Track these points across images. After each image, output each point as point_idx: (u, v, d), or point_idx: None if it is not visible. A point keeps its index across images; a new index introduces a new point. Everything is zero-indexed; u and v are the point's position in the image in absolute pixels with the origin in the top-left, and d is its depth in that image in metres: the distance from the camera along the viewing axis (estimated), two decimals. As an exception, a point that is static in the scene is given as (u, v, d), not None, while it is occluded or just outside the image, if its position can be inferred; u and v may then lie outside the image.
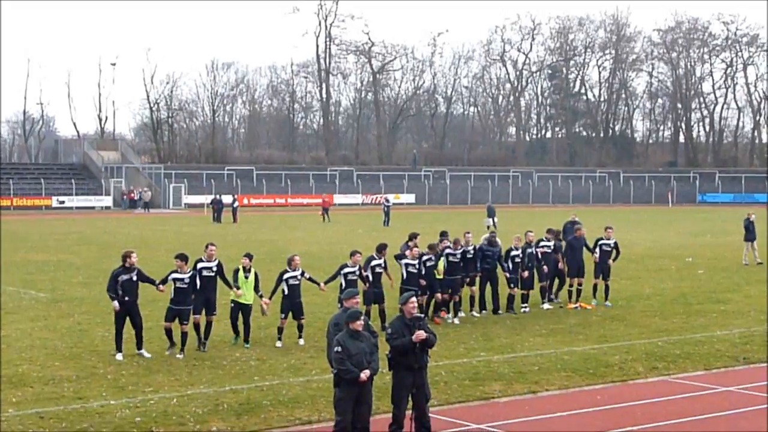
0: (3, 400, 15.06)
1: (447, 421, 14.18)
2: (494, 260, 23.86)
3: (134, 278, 18.30)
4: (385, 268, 21.57)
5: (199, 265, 19.04)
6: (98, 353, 18.35)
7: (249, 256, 19.69)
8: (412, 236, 22.95)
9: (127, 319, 18.25)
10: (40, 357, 18.36)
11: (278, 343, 19.45)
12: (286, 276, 19.45)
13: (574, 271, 25.37)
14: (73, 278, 30.58)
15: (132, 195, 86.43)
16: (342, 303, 14.10)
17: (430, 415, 13.13)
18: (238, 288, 19.31)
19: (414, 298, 13.20)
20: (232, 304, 19.47)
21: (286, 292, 19.46)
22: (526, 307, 24.14)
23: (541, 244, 25.10)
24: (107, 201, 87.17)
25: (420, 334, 12.61)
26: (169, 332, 18.52)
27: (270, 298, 19.58)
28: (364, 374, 12.29)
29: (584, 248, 25.62)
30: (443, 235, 23.87)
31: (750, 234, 36.13)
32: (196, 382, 16.41)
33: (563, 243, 26.44)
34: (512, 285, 24.09)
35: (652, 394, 16.09)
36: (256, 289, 19.53)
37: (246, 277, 19.36)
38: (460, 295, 23.11)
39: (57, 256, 38.06)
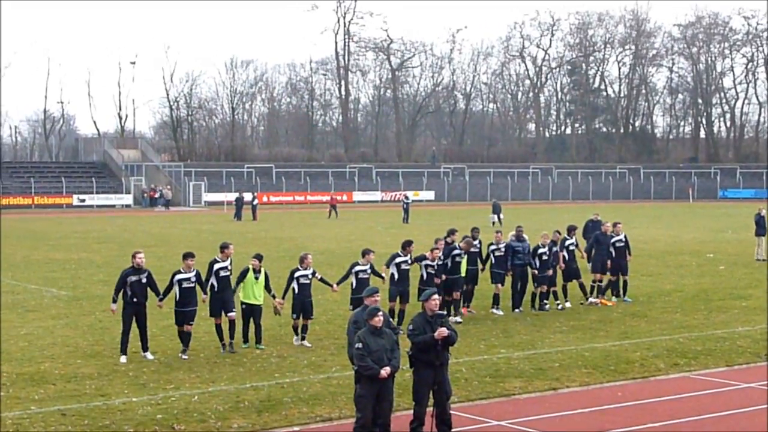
0: (25, 397, 15.16)
1: (468, 418, 14.17)
2: (526, 256, 23.77)
3: (143, 280, 18.11)
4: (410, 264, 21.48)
5: (216, 266, 18.86)
6: (119, 351, 18.40)
7: (259, 257, 19.35)
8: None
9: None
10: (62, 354, 18.46)
11: (295, 341, 19.40)
12: (297, 275, 19.25)
13: (598, 266, 25.33)
14: (94, 276, 30.73)
15: (153, 193, 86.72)
16: (353, 303, 14.05)
17: (450, 412, 13.13)
18: (234, 291, 19.11)
19: (436, 295, 13.20)
20: (243, 306, 19.14)
21: (297, 291, 19.26)
22: (546, 304, 24.07)
23: (567, 242, 24.89)
24: (128, 199, 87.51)
25: (442, 331, 12.61)
26: (181, 335, 18.45)
27: (283, 297, 19.52)
28: (385, 371, 12.30)
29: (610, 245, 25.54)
30: (474, 230, 23.88)
31: (761, 229, 35.98)
32: (217, 380, 16.47)
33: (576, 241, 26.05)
34: (537, 283, 23.94)
35: (673, 390, 16.04)
36: (268, 288, 19.28)
37: (256, 278, 19.04)
38: (465, 293, 23.28)
39: (78, 255, 38.24)
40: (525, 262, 23.80)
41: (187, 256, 18.66)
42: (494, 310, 23.49)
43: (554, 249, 24.31)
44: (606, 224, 26.27)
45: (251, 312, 19.13)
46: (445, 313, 13.43)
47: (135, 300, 18.00)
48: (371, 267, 20.19)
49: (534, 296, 24.06)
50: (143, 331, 18.19)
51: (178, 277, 18.34)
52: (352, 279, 19.95)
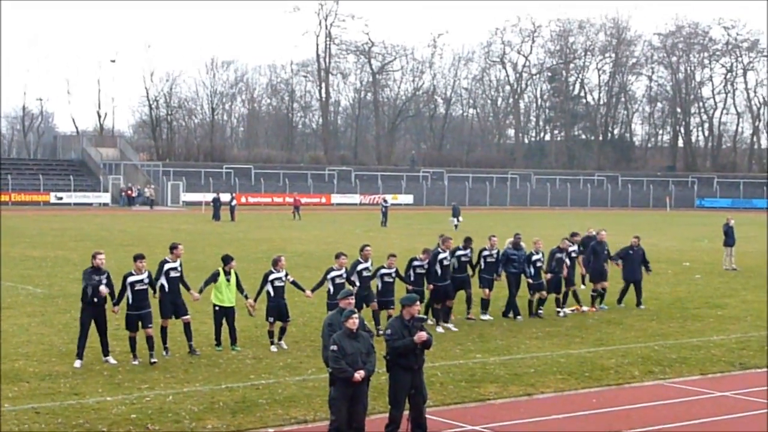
0: (-1, 395, 15.08)
1: (443, 422, 14.18)
2: (521, 264, 23.45)
3: (104, 281, 17.53)
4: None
5: (166, 266, 18.36)
6: (94, 349, 18.25)
7: (228, 258, 18.98)
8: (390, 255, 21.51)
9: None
10: (37, 353, 18.36)
11: (273, 348, 19.07)
12: (271, 277, 18.99)
13: (597, 275, 25.40)
14: (70, 274, 30.56)
15: (130, 192, 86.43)
16: (330, 309, 13.98)
17: (426, 416, 13.14)
18: (200, 292, 18.73)
19: (418, 302, 13.24)
20: (216, 308, 18.84)
21: (272, 294, 18.98)
22: (541, 311, 23.77)
23: (570, 249, 24.65)
24: (105, 198, 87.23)
25: (422, 335, 12.63)
26: (134, 342, 17.73)
27: (255, 300, 19.22)
28: (359, 374, 12.30)
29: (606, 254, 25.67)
30: (467, 240, 23.31)
31: (729, 239, 36.16)
32: (192, 380, 16.42)
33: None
34: (532, 291, 23.62)
35: (647, 398, 16.10)
36: (240, 289, 19.02)
37: (228, 280, 18.75)
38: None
39: (54, 252, 38.06)
40: (520, 270, 23.43)
41: (138, 257, 18.09)
42: (483, 316, 23.15)
43: (558, 256, 24.08)
44: (602, 233, 26.27)
45: (224, 314, 18.87)
46: (425, 317, 13.41)
47: (95, 301, 17.49)
48: (346, 271, 19.89)
49: (531, 303, 23.79)
50: (103, 335, 17.65)
51: (131, 279, 17.77)
52: (329, 285, 19.65)
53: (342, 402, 12.39)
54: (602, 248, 25.78)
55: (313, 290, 19.76)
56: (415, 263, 21.39)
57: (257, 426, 13.86)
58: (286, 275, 19.26)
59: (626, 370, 18.03)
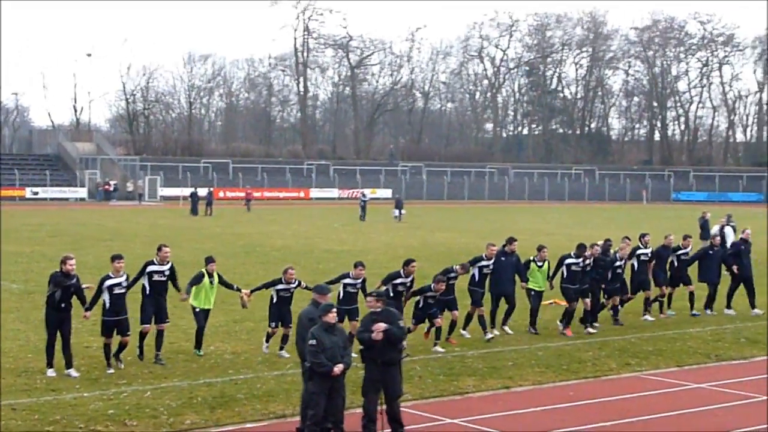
0: (-25, 391, 14.97)
1: (421, 416, 14.22)
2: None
3: (72, 288, 16.35)
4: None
5: (150, 269, 17.35)
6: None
7: (211, 260, 18.10)
8: (408, 262, 19.40)
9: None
10: (13, 348, 18.25)
11: (265, 348, 18.22)
12: (278, 287, 17.86)
13: (659, 280, 23.89)
14: (47, 270, 30.03)
15: (108, 187, 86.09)
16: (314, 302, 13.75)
17: (403, 409, 13.17)
18: (188, 293, 17.78)
19: (371, 297, 13.23)
20: (197, 310, 17.93)
21: (275, 299, 17.92)
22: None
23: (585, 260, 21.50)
24: (82, 192, 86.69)
25: (379, 326, 12.54)
26: (108, 349, 16.75)
27: (251, 293, 18.22)
28: (338, 368, 12.33)
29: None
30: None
31: (705, 232, 36.17)
32: (170, 375, 16.38)
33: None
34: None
35: (624, 390, 16.21)
36: (229, 285, 18.34)
37: (210, 282, 17.88)
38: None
39: (30, 248, 37.82)
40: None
41: (116, 258, 16.93)
42: (487, 334, 20.21)
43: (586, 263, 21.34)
44: (669, 237, 24.58)
45: (205, 316, 18.08)
46: (391, 309, 13.18)
47: (63, 306, 16.22)
48: (362, 282, 18.41)
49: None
50: (68, 344, 16.33)
51: (108, 282, 16.56)
52: (340, 290, 18.40)
53: (321, 396, 12.41)
54: (668, 252, 24.12)
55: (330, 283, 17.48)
56: (450, 274, 19.34)
57: (236, 421, 13.85)
58: (298, 285, 17.99)
59: (603, 362, 18.14)
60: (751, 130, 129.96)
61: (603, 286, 22.01)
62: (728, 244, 29.38)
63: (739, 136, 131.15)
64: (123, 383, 15.72)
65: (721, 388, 16.45)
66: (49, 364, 16.27)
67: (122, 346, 16.86)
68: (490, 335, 20.07)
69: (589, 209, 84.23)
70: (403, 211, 61.19)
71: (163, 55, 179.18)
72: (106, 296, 16.62)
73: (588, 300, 21.23)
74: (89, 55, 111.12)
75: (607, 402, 15.42)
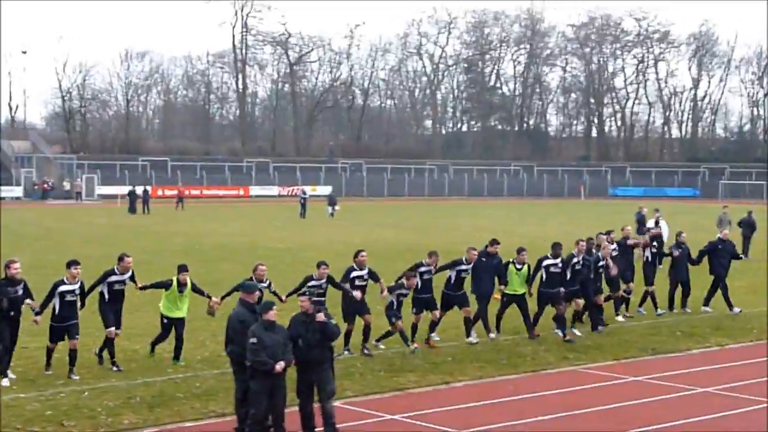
0: None
1: (362, 413, 14.24)
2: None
3: (20, 292, 15.84)
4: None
5: (111, 278, 16.93)
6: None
7: (185, 268, 17.37)
8: (432, 253, 19.54)
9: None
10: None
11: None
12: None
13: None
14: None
15: (45, 186, 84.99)
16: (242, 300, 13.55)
17: (344, 406, 13.21)
18: (143, 288, 17.34)
19: (305, 297, 13.25)
20: (165, 320, 17.39)
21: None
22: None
23: (573, 260, 21.10)
24: (18, 191, 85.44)
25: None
26: (52, 353, 16.32)
27: (221, 299, 17.41)
28: (279, 365, 12.31)
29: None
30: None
31: (643, 226, 36.76)
32: (108, 375, 16.22)
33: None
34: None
35: (563, 383, 16.38)
36: (200, 291, 17.45)
37: (180, 291, 17.17)
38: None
39: (-36, 248, 37.13)
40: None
41: (72, 263, 16.38)
42: (470, 339, 19.68)
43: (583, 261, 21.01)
44: (626, 228, 24.70)
45: (174, 325, 17.34)
46: (322, 309, 12.99)
47: (12, 314, 15.76)
48: (327, 281, 18.01)
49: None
50: (11, 350, 15.96)
51: (62, 288, 16.10)
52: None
53: (262, 395, 12.38)
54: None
55: (288, 295, 17.63)
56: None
57: (175, 420, 13.76)
58: (269, 285, 17.20)
59: (542, 357, 18.32)
60: (686, 126, 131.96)
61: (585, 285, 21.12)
62: (665, 237, 29.82)
63: (675, 132, 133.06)
64: (60, 384, 15.53)
65: (659, 381, 16.69)
66: (3, 373, 15.72)
67: (73, 355, 16.16)
68: (473, 339, 19.56)
69: (528, 205, 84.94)
70: (336, 208, 61.39)
71: (99, 52, 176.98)
72: (56, 301, 16.13)
73: (580, 301, 20.88)
74: (24, 52, 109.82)
75: (546, 396, 15.57)
